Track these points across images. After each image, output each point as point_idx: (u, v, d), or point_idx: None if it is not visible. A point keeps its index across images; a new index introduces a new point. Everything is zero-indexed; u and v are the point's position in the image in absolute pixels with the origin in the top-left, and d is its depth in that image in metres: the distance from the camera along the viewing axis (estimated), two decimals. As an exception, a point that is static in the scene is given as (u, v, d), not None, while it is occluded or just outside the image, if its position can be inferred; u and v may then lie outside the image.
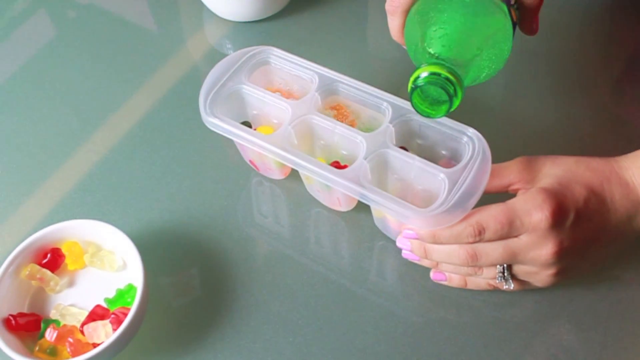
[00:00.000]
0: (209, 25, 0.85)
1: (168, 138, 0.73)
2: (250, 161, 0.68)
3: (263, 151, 0.60)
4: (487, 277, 0.58)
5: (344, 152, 0.62)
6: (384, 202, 0.55)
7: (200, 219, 0.66)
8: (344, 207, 0.65)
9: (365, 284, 0.62)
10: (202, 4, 0.85)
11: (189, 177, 0.70)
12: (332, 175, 0.57)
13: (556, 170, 0.57)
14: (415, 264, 0.61)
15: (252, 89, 0.63)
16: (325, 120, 0.61)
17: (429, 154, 0.60)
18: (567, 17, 0.83)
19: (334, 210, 0.66)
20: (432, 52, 0.52)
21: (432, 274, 0.60)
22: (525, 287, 0.59)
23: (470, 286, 0.60)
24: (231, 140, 0.63)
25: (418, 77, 0.52)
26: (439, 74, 0.51)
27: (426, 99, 0.54)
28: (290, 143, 0.60)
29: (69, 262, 0.61)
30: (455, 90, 0.51)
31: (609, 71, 0.79)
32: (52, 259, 0.61)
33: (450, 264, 0.58)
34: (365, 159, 0.58)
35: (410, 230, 0.57)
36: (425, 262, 0.60)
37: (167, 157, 0.72)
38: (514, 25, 0.56)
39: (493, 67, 0.55)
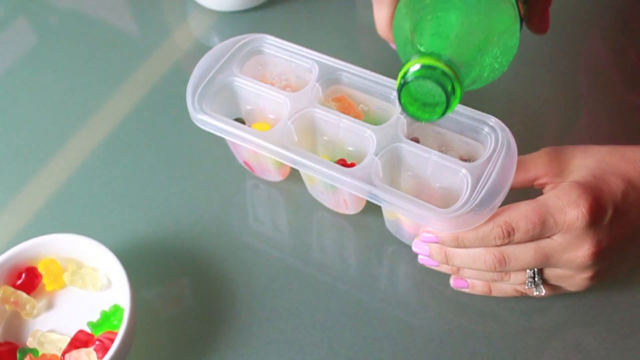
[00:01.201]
0: (194, 17, 0.81)
1: (153, 141, 0.69)
2: (244, 162, 0.64)
3: (260, 150, 0.55)
4: (515, 283, 0.53)
5: (351, 149, 0.57)
6: (400, 203, 0.50)
7: (191, 229, 0.62)
8: (351, 210, 0.60)
9: (377, 294, 0.58)
10: (185, -5, 0.81)
11: (177, 183, 0.66)
12: (340, 175, 0.52)
13: (588, 161, 0.52)
14: (431, 270, 0.57)
15: (244, 81, 0.59)
16: (329, 113, 0.56)
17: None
18: (580, 9, 0.79)
19: (340, 214, 0.62)
20: (425, 51, 0.44)
21: (452, 281, 0.56)
22: (556, 292, 0.54)
23: (495, 293, 0.55)
24: (223, 140, 0.59)
25: (408, 71, 0.43)
26: (434, 67, 0.42)
27: (417, 100, 0.45)
28: (290, 140, 0.55)
29: (46, 282, 0.57)
30: (453, 87, 0.43)
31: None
32: (27, 279, 0.56)
33: (473, 270, 0.53)
34: (376, 155, 0.52)
35: (429, 234, 0.52)
36: (444, 268, 0.55)
37: (152, 162, 0.67)
38: (521, 21, 0.49)
39: (496, 69, 0.47)
